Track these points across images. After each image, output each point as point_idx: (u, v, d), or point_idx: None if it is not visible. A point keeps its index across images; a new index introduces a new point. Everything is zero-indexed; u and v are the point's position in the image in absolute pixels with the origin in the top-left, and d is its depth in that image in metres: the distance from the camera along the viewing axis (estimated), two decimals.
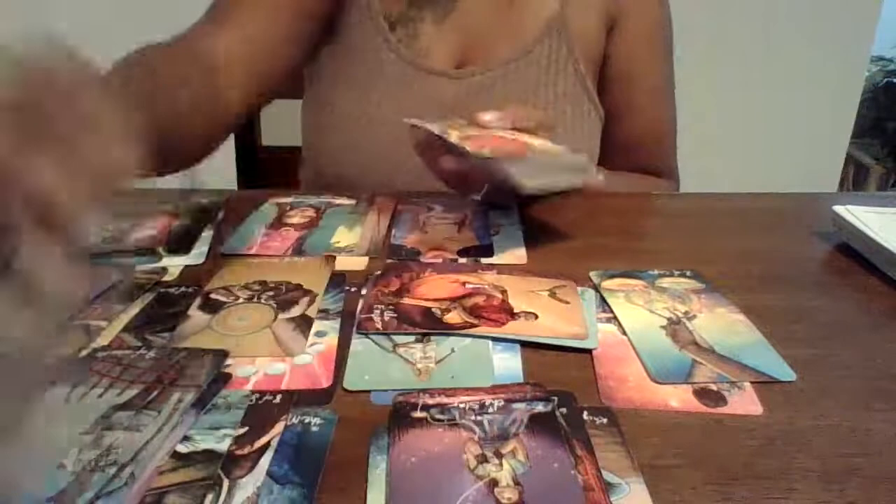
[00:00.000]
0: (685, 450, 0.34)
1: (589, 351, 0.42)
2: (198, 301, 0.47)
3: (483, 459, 0.32)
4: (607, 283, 0.50)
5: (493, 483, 0.30)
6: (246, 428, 0.34)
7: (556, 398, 0.36)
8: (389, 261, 0.54)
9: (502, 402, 0.36)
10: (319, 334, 0.43)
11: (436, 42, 0.76)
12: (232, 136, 0.87)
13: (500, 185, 0.55)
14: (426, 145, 0.58)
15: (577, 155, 0.54)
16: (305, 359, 0.41)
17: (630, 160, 0.82)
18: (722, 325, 0.45)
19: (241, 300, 0.47)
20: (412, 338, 0.43)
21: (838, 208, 0.58)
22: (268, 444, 0.33)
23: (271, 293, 0.48)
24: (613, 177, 0.80)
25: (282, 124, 0.98)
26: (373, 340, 0.43)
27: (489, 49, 0.76)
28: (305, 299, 0.47)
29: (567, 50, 0.76)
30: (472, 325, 0.44)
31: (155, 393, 0.36)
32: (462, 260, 0.55)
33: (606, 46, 0.79)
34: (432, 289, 0.48)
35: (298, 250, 0.56)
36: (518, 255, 0.56)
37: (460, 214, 0.63)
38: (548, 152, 0.54)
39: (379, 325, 0.44)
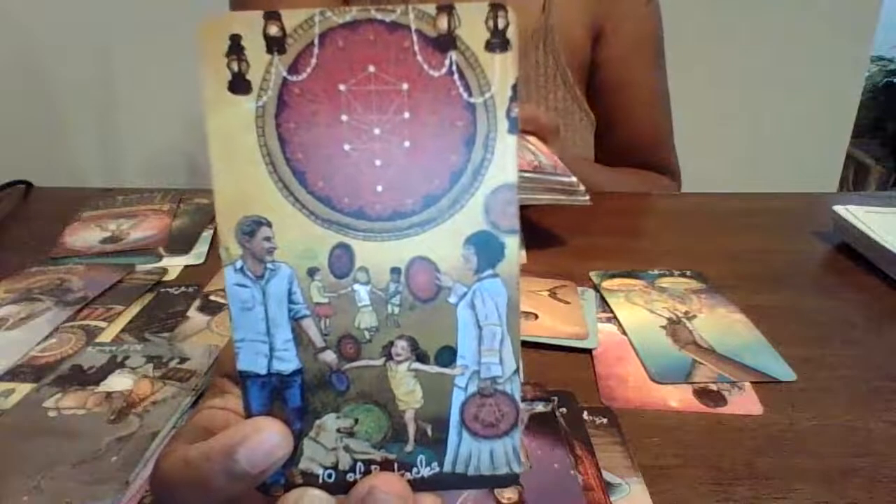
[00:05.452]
0: (685, 450, 0.34)
1: (589, 351, 0.42)
2: (197, 302, 0.47)
3: None
4: (607, 283, 0.50)
5: None
6: None
7: (556, 398, 0.36)
8: None
9: None
10: None
11: None
12: None
13: None
14: None
15: (568, 176, 0.54)
16: None
17: (628, 163, 0.82)
18: (722, 325, 0.45)
19: None
20: None
21: (838, 208, 0.57)
22: None
23: None
24: (615, 174, 0.79)
25: None
26: None
27: None
28: None
29: (554, 62, 0.75)
30: None
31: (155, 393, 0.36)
32: None
33: (596, 54, 0.78)
34: None
35: None
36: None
37: None
38: (540, 169, 0.54)
39: None
